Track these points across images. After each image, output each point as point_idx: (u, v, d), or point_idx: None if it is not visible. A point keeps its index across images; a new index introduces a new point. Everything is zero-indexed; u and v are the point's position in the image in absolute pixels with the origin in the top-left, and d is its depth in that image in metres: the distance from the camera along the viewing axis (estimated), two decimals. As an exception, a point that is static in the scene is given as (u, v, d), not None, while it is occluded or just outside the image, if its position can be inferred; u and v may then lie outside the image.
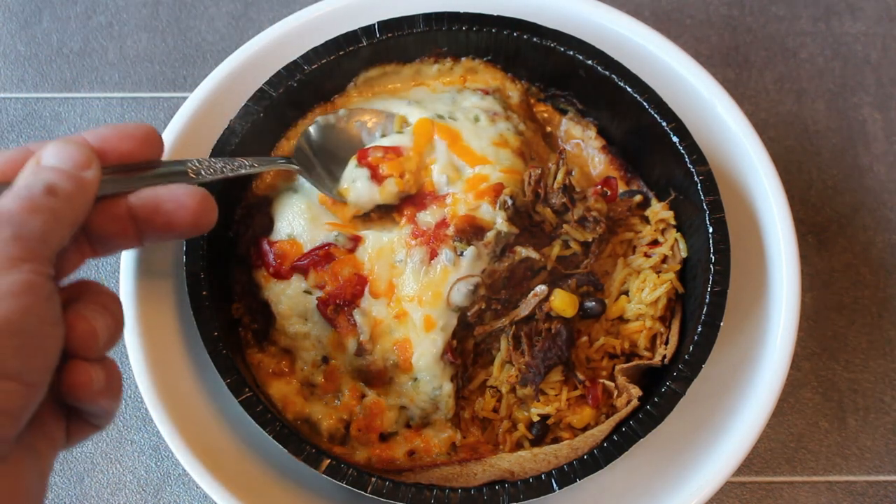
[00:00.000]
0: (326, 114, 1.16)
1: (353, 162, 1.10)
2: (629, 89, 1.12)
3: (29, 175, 0.75)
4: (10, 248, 0.67)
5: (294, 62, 1.13)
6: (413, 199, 1.08)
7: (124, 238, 0.84)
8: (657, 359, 1.07)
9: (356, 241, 1.06)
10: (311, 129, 1.13)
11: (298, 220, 1.08)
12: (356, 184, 1.08)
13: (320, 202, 1.09)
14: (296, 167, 1.09)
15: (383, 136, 1.13)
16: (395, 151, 1.09)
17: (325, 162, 1.12)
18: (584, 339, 1.08)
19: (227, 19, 1.47)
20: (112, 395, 0.75)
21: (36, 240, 0.69)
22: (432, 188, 1.08)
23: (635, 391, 1.03)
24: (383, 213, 1.10)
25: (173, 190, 0.84)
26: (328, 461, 0.98)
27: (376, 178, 1.07)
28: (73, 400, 0.73)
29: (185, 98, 1.19)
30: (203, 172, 0.95)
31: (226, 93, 1.16)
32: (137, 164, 0.85)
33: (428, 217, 1.06)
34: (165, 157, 1.12)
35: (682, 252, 1.11)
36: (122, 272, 1.08)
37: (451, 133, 1.10)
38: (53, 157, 0.76)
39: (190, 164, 0.94)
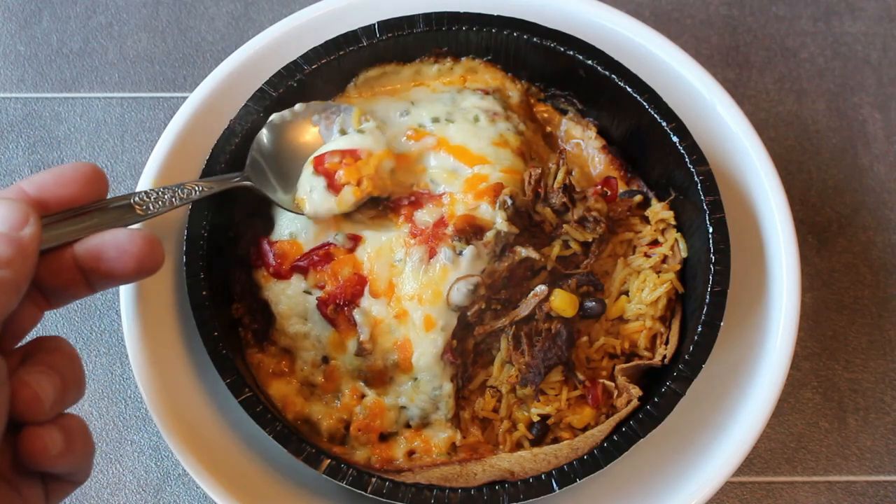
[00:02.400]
0: (282, 111, 1.11)
1: (308, 168, 1.07)
2: (629, 89, 1.12)
3: None
4: None
5: (294, 62, 1.13)
6: (410, 199, 1.08)
7: (76, 287, 0.81)
8: (657, 359, 1.07)
9: (356, 240, 1.06)
10: (263, 135, 1.09)
11: (298, 220, 1.08)
12: (313, 195, 1.05)
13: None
14: (249, 183, 1.05)
15: (342, 131, 1.10)
16: (353, 155, 1.06)
17: (279, 165, 1.09)
18: (584, 339, 1.08)
19: (227, 19, 1.47)
20: (75, 453, 0.73)
21: None
22: (426, 187, 1.08)
23: (635, 391, 1.03)
24: (380, 213, 1.10)
25: (116, 236, 0.81)
26: (328, 461, 0.98)
27: (333, 187, 1.05)
28: (34, 466, 0.71)
29: (185, 98, 1.18)
30: (151, 207, 0.92)
31: (226, 93, 1.16)
32: (81, 208, 0.82)
33: (426, 216, 1.06)
34: (172, 151, 1.13)
35: (682, 252, 1.11)
36: (121, 272, 1.08)
37: (439, 139, 1.10)
38: None
39: (136, 199, 0.90)
